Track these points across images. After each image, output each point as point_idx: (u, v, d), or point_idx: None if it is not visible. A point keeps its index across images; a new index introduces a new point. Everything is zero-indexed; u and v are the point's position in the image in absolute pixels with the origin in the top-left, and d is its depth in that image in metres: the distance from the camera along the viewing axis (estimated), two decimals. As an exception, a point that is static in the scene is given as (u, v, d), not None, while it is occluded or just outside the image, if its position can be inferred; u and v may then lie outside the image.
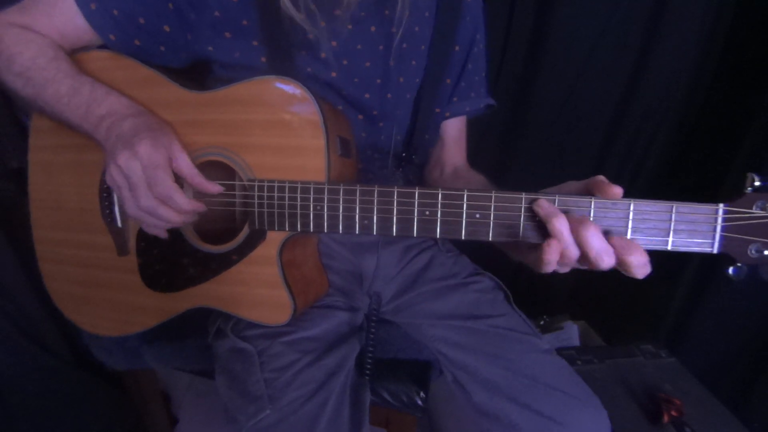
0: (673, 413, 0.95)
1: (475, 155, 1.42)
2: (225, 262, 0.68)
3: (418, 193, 0.55)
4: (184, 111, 0.66)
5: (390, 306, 0.86)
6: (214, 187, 0.62)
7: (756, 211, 0.47)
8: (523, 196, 0.52)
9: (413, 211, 0.56)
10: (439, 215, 0.55)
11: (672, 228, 0.49)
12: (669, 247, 0.50)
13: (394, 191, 0.56)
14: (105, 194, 0.72)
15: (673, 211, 0.49)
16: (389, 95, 0.74)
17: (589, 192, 0.51)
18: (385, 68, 0.71)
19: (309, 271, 0.74)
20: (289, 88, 0.60)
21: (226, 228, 0.72)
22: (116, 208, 0.72)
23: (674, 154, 1.40)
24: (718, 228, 0.48)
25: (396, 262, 0.87)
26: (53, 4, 0.66)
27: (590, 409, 0.70)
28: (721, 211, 0.48)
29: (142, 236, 0.71)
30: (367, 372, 0.75)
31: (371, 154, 0.78)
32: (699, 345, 1.26)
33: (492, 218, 0.53)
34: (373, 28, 0.68)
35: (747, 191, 0.47)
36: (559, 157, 1.42)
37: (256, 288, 0.67)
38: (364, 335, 0.80)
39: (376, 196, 0.57)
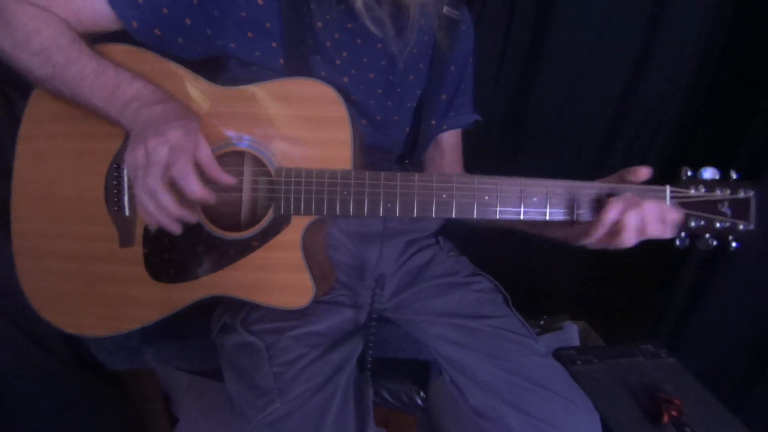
0: (673, 413, 0.95)
1: (476, 155, 1.42)
2: (245, 248, 0.69)
3: (436, 178, 0.64)
4: (210, 103, 0.69)
5: (391, 303, 0.86)
6: (228, 178, 0.63)
7: (692, 192, 0.61)
8: (521, 180, 0.64)
9: (432, 194, 0.65)
10: (454, 198, 0.64)
11: None
12: None
13: (414, 177, 0.64)
14: (115, 181, 0.71)
15: (632, 190, 0.62)
16: (389, 103, 0.79)
17: (621, 180, 0.65)
18: (386, 80, 0.78)
19: (322, 261, 0.76)
20: (321, 88, 0.67)
21: (231, 216, 0.72)
22: (125, 197, 0.71)
23: (674, 155, 1.40)
24: (667, 203, 0.62)
25: (397, 257, 0.87)
26: None
27: (583, 413, 0.72)
28: (668, 191, 0.62)
29: None
30: (368, 367, 0.76)
31: (374, 153, 0.80)
32: (699, 345, 1.26)
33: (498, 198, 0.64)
34: (379, 45, 0.74)
35: (683, 179, 0.62)
36: (559, 158, 1.42)
37: (277, 273, 0.69)
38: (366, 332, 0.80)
39: (398, 181, 0.65)
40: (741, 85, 1.22)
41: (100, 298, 0.74)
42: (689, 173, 0.62)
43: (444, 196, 0.64)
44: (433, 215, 0.64)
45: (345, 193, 0.66)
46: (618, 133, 1.39)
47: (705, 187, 0.61)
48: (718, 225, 0.61)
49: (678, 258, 1.30)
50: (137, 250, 0.71)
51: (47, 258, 0.74)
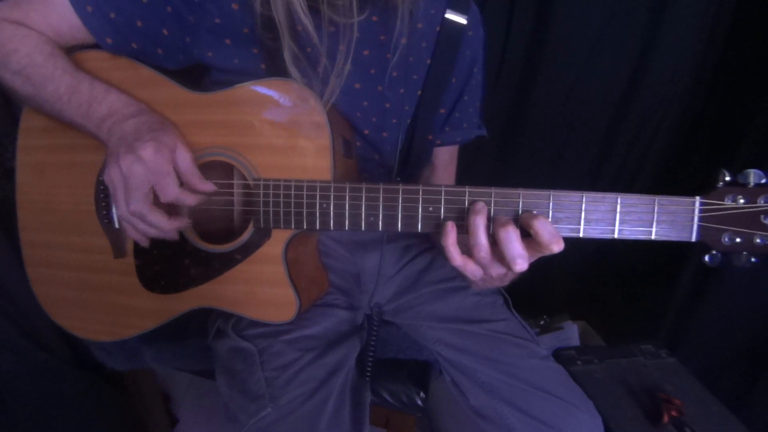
0: (673, 413, 0.95)
1: (475, 156, 1.42)
2: (228, 261, 0.68)
3: (422, 190, 0.58)
4: (187, 111, 0.66)
5: (390, 307, 0.86)
6: (208, 186, 0.62)
7: (728, 203, 0.52)
8: (521, 191, 0.55)
9: (417, 208, 0.58)
10: (442, 212, 0.58)
11: (655, 219, 0.53)
12: (653, 237, 0.54)
13: (399, 189, 0.58)
14: (102, 195, 0.71)
15: (656, 203, 0.53)
16: (374, 119, 0.74)
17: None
18: (373, 92, 0.72)
19: (311, 270, 0.74)
20: (295, 89, 0.62)
21: (225, 228, 0.72)
22: (114, 210, 0.71)
23: (674, 155, 1.40)
24: (696, 218, 0.53)
25: (395, 261, 0.87)
26: (48, 1, 0.65)
27: (585, 415, 0.71)
28: (697, 203, 0.53)
29: None
30: (368, 373, 0.76)
31: (369, 162, 0.78)
32: (699, 345, 1.26)
33: (492, 214, 0.56)
34: (366, 52, 0.69)
35: (719, 185, 0.52)
36: (558, 158, 1.42)
37: (260, 286, 0.68)
38: (364, 335, 0.80)
39: (381, 193, 0.59)
40: (741, 84, 1.22)
41: (101, 306, 0.75)
42: (727, 178, 0.52)
43: (431, 209, 0.58)
44: (419, 230, 0.59)
45: (324, 206, 0.61)
46: (618, 133, 1.39)
47: (744, 196, 0.51)
48: (758, 241, 0.51)
49: (678, 258, 1.30)
50: (129, 262, 0.72)
51: (54, 267, 0.76)
